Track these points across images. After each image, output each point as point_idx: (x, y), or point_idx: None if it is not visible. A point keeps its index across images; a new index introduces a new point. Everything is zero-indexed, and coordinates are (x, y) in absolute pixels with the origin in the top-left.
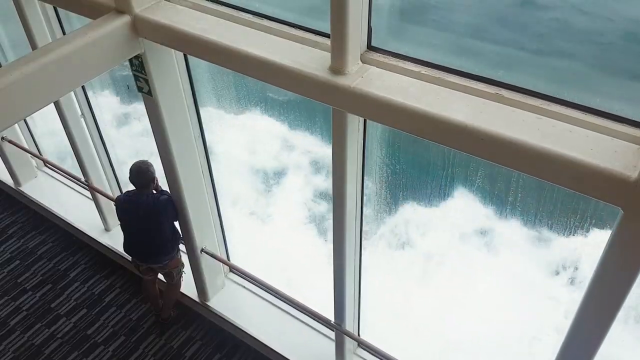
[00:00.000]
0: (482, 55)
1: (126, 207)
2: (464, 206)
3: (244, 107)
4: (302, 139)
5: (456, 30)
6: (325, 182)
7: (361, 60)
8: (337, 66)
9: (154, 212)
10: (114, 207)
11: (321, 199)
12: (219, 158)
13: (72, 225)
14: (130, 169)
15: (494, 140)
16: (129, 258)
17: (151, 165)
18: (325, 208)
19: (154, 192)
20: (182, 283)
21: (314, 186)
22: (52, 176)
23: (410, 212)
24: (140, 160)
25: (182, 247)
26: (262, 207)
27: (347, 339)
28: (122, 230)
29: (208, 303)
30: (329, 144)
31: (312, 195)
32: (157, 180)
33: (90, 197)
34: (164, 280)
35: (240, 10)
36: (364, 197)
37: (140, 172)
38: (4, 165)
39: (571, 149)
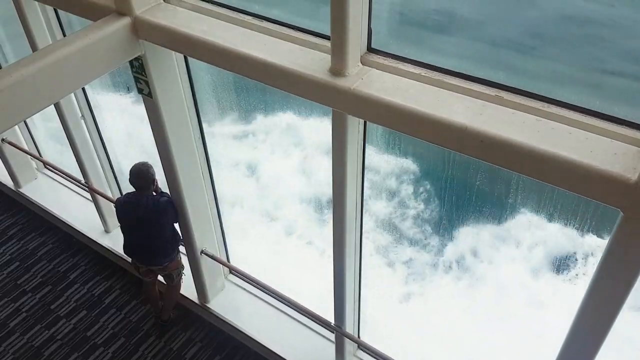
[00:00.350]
0: (529, 71)
1: (126, 208)
2: (529, 225)
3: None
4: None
5: (498, 43)
6: (385, 209)
7: (361, 62)
8: (337, 68)
9: (154, 214)
10: (114, 208)
11: (383, 228)
12: (268, 180)
13: (72, 226)
14: (130, 171)
15: (494, 142)
16: (129, 260)
17: (151, 166)
18: (387, 240)
19: (154, 193)
20: (182, 285)
21: (373, 214)
22: (52, 178)
23: (474, 236)
24: (140, 162)
25: (182, 248)
26: (318, 236)
27: (347, 341)
28: (122, 232)
29: (208, 305)
30: (394, 158)
31: (373, 224)
32: (157, 182)
33: (90, 198)
34: (164, 282)
35: (240, 12)
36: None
37: (140, 174)
38: (4, 167)
39: (571, 151)
